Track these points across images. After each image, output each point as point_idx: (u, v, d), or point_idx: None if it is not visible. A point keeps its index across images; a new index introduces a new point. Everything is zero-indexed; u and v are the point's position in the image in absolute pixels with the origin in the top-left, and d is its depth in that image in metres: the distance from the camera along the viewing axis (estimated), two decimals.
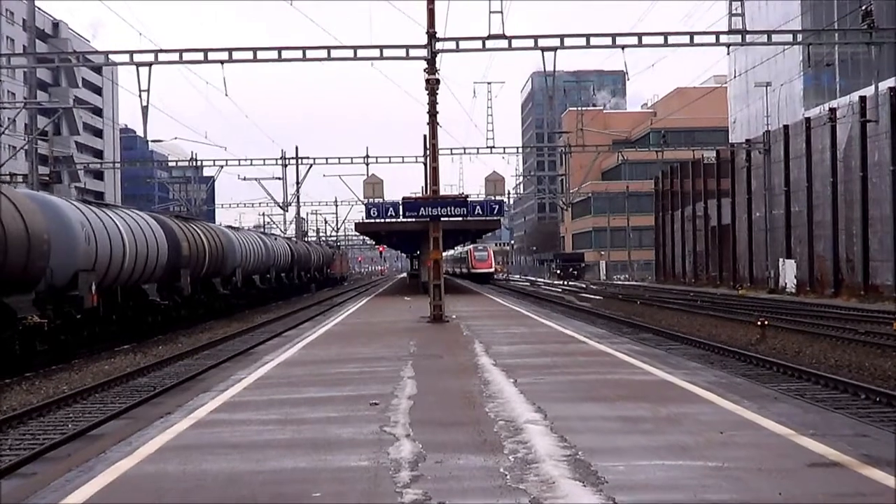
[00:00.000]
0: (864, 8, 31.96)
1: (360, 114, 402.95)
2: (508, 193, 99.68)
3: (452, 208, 27.16)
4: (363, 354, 17.09)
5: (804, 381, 17.14)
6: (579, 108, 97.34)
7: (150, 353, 25.22)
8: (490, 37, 28.21)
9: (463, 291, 51.28)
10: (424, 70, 26.09)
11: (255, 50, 28.86)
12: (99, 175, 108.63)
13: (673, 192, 79.10)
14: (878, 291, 42.07)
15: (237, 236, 45.29)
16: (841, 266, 47.23)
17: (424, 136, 40.76)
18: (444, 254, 29.07)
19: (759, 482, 6.98)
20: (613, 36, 29.36)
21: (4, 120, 70.45)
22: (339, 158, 64.02)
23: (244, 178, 74.43)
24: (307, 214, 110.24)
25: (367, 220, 45.99)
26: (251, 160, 63.85)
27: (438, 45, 26.34)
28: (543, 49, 28.84)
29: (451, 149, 66.93)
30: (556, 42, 28.96)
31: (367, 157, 63.04)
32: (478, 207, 39.13)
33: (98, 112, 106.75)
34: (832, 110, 48.73)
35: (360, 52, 28.58)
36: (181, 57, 29.28)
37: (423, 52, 26.26)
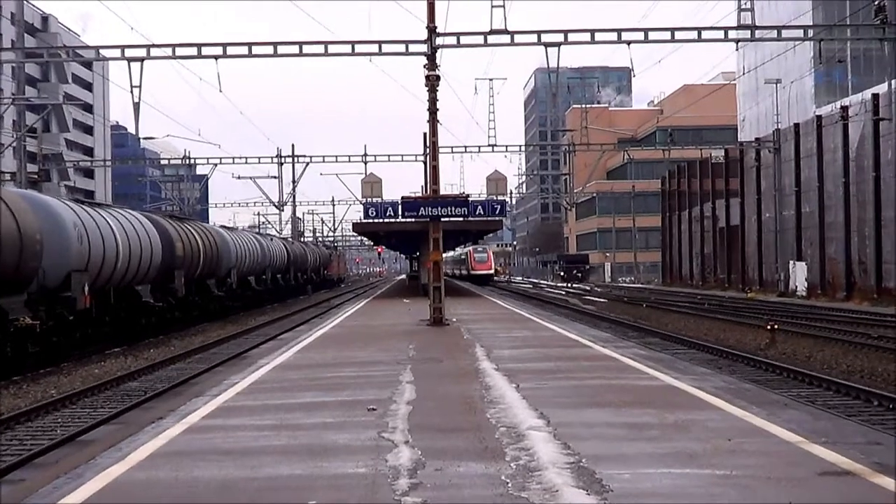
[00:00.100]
0: (877, 3, 31.92)
1: (358, 111, 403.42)
2: (511, 193, 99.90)
3: (453, 208, 27.16)
4: (361, 358, 17.09)
5: (815, 387, 17.14)
6: (583, 106, 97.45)
7: (142, 356, 25.23)
8: (492, 32, 28.20)
9: (464, 294, 51.30)
10: (424, 66, 26.11)
11: (250, 45, 28.85)
12: (89, 173, 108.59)
13: (680, 192, 79.08)
14: (892, 295, 42.01)
15: (232, 237, 45.32)
16: (853, 269, 47.21)
17: (424, 134, 40.78)
18: (443, 255, 29.07)
19: (768, 491, 6.98)
20: (619, 31, 29.34)
21: None
22: (336, 157, 64.20)
23: (239, 177, 74.67)
24: (303, 214, 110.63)
25: (366, 221, 46.05)
26: (246, 158, 63.82)
27: (439, 41, 26.35)
28: (547, 44, 28.82)
29: (452, 147, 66.90)
30: (559, 37, 28.95)
31: (366, 155, 63.10)
32: (479, 207, 39.21)
33: (88, 108, 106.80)
34: (844, 108, 48.73)
35: (359, 48, 28.58)
36: (174, 52, 29.27)
37: (423, 48, 26.27)
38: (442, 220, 26.88)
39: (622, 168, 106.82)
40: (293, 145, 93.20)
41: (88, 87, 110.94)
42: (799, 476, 7.39)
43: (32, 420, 15.42)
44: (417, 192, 59.33)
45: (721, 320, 33.42)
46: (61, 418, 15.73)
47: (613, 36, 29.39)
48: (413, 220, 28.31)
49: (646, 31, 29.70)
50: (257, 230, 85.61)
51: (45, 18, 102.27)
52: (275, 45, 28.78)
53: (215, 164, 63.95)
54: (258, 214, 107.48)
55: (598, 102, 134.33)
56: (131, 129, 37.45)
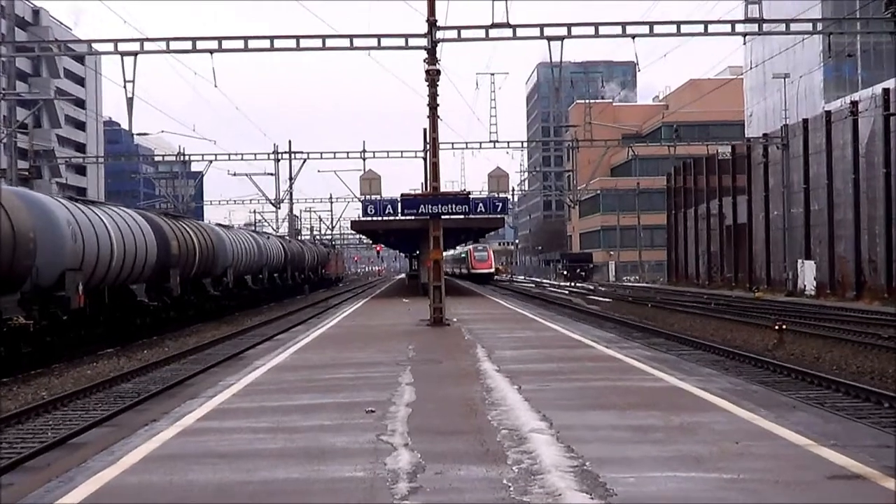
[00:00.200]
0: None
1: (356, 107, 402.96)
2: (513, 190, 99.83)
3: (454, 206, 27.15)
4: (359, 359, 17.09)
5: (824, 389, 17.14)
6: (587, 101, 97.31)
7: (135, 357, 25.24)
8: (493, 25, 28.20)
9: (464, 293, 51.32)
10: (424, 60, 26.09)
11: (246, 39, 28.86)
12: (81, 170, 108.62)
13: (686, 189, 79.06)
14: None
15: (228, 235, 45.34)
16: (863, 267, 47.20)
17: (424, 130, 40.81)
18: (443, 253, 29.06)
19: (776, 495, 6.97)
20: (623, 25, 29.35)
21: None
22: (334, 153, 64.11)
23: (234, 174, 74.52)
24: (301, 212, 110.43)
25: (364, 218, 45.94)
26: (242, 155, 63.94)
27: (439, 34, 26.34)
28: (549, 38, 28.82)
29: (453, 143, 66.92)
30: (562, 31, 28.96)
31: (364, 151, 63.15)
32: (480, 205, 39.11)
33: (80, 104, 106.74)
34: (854, 103, 48.72)
35: (357, 41, 28.60)
36: (168, 46, 29.29)
37: (424, 42, 26.26)
38: (442, 217, 26.87)
39: (626, 165, 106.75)
40: (290, 141, 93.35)
41: (81, 81, 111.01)
42: (808, 480, 7.38)
43: (23, 422, 15.42)
44: (417, 190, 59.20)
45: (728, 320, 33.41)
46: (52, 421, 15.73)
47: (618, 29, 29.41)
48: (413, 217, 28.29)
49: (651, 24, 29.72)
50: (254, 228, 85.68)
51: (35, 12, 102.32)
52: (271, 38, 28.80)
53: (210, 161, 63.98)
54: (254, 212, 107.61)
55: (602, 97, 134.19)
56: (124, 125, 37.48)
